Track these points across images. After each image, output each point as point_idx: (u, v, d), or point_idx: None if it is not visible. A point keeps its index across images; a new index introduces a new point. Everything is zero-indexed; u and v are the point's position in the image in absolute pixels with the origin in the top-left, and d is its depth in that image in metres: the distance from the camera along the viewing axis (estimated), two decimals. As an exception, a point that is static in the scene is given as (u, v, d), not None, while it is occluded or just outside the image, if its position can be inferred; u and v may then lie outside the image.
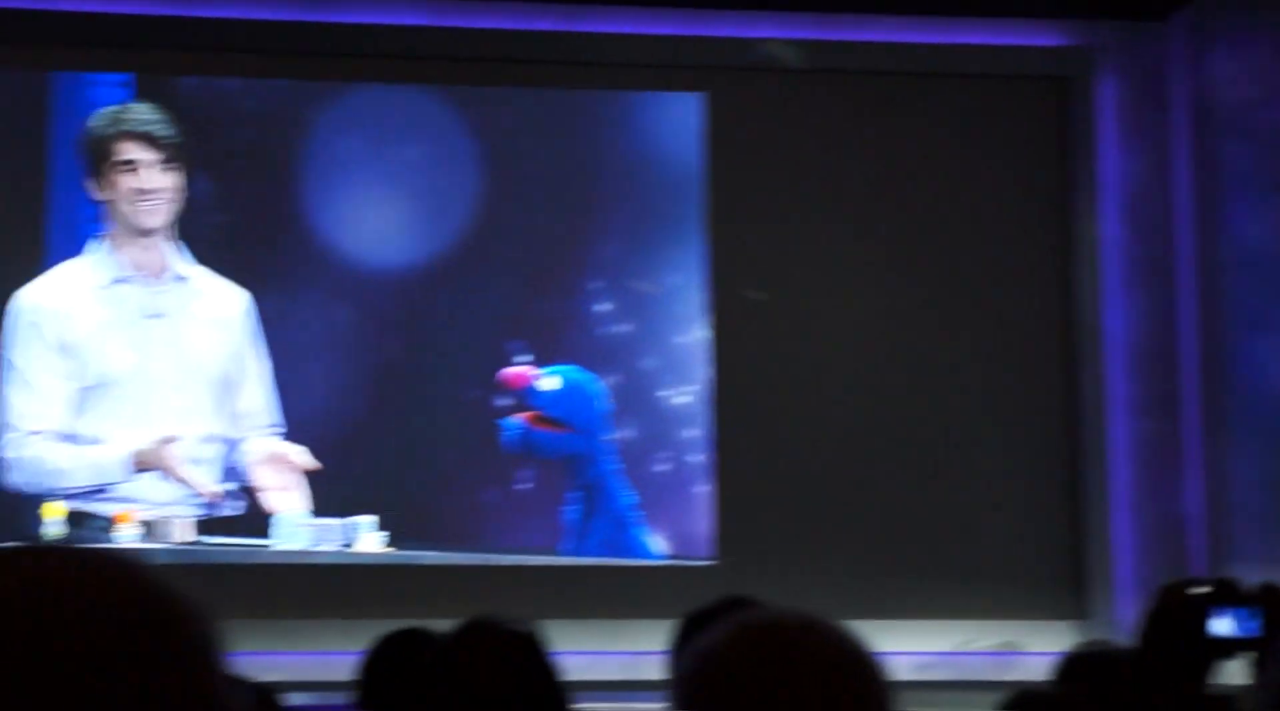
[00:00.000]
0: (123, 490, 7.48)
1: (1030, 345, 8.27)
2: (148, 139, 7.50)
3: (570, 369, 7.82)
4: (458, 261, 7.92)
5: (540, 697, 2.97)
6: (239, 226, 7.79)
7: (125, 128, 7.50)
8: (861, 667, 1.81)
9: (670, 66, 8.11)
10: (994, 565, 8.10)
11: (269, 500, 7.55)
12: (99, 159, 7.50)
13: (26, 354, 7.43)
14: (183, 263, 7.60)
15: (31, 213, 7.68)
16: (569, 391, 7.76)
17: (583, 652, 7.51)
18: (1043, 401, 8.24)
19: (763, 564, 7.94)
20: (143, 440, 7.45)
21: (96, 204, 7.63)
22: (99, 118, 7.55)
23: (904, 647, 7.68)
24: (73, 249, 7.65)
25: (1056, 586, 8.15)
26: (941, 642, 8.04)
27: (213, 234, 7.72)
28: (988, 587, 8.08)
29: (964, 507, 8.12)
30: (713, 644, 1.80)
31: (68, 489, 7.41)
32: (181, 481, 7.44)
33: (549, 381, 7.74)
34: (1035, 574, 8.14)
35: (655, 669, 7.32)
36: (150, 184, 7.49)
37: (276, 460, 7.56)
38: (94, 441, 7.45)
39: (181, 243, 7.61)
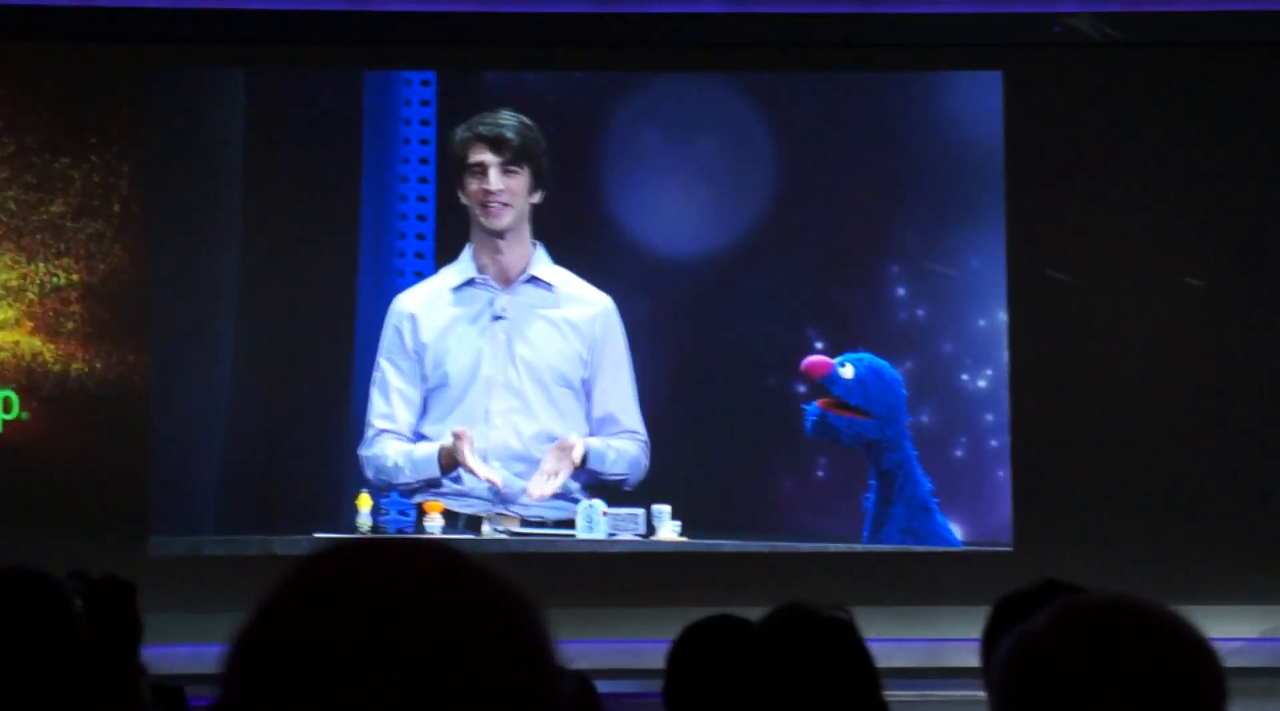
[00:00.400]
0: (454, 486, 7.66)
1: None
2: (493, 142, 7.66)
3: (867, 356, 7.80)
4: (755, 249, 7.95)
5: (855, 685, 2.97)
6: (541, 221, 7.89)
7: (476, 132, 7.67)
8: (1197, 654, 1.74)
9: (968, 45, 8.03)
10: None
11: (536, 482, 7.63)
12: (459, 164, 7.67)
13: (386, 354, 7.66)
14: (544, 266, 7.71)
15: (347, 206, 7.89)
16: (867, 377, 7.75)
17: (884, 639, 7.47)
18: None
19: (1061, 549, 7.83)
20: (445, 437, 7.61)
21: (406, 201, 7.82)
22: (462, 124, 7.72)
23: (1211, 633, 7.52)
24: (381, 246, 7.84)
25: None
26: (1250, 628, 7.86)
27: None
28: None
29: (1273, 489, 7.93)
30: (1038, 629, 1.75)
31: (403, 485, 7.62)
32: (469, 469, 7.57)
33: (847, 369, 7.73)
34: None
35: (956, 655, 7.32)
36: (494, 186, 7.63)
37: (564, 447, 7.65)
38: (432, 440, 7.66)
39: (537, 242, 7.73)
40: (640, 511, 7.71)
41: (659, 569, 7.82)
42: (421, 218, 7.87)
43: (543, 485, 7.66)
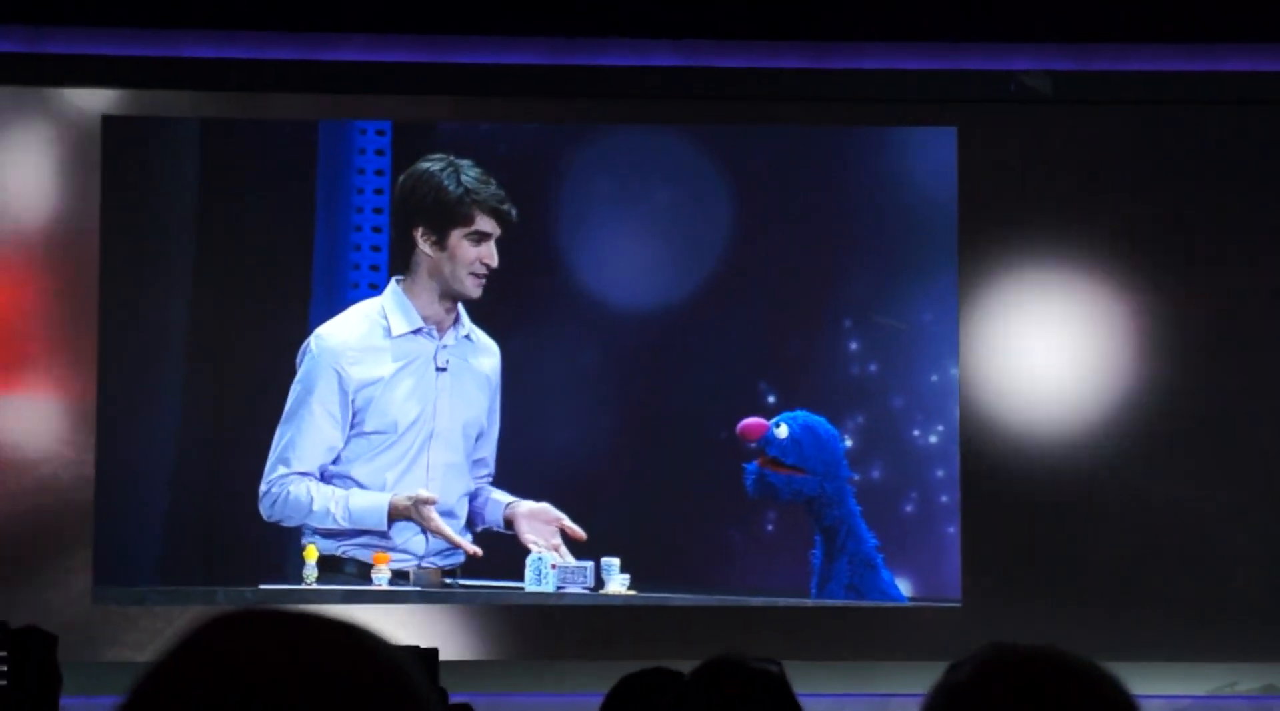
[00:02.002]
0: (382, 540, 7.62)
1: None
2: (502, 216, 7.65)
3: (802, 414, 7.79)
4: (707, 301, 7.96)
5: (785, 737, 2.94)
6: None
7: (488, 201, 7.64)
8: (1118, 706, 1.73)
9: (923, 101, 8.06)
10: (1256, 606, 7.91)
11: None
12: (451, 219, 7.63)
13: (315, 393, 7.59)
14: (466, 319, 7.73)
15: (300, 256, 7.87)
16: (802, 436, 7.74)
17: (832, 694, 7.47)
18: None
19: (1010, 606, 7.83)
20: (400, 494, 7.57)
21: (360, 250, 7.79)
22: (452, 175, 7.69)
23: (1160, 691, 7.53)
24: (333, 292, 7.82)
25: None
26: (1200, 686, 7.87)
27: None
28: (1249, 629, 7.89)
29: (1222, 547, 7.94)
30: (962, 679, 1.74)
31: (321, 528, 7.56)
32: (439, 534, 7.55)
33: (782, 428, 7.72)
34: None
35: (904, 711, 7.28)
36: (494, 262, 7.62)
37: (542, 517, 7.63)
38: (365, 487, 7.60)
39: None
40: (589, 564, 7.69)
41: (607, 622, 7.80)
42: (375, 267, 7.85)
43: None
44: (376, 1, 7.87)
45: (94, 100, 7.88)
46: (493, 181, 7.72)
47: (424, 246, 7.66)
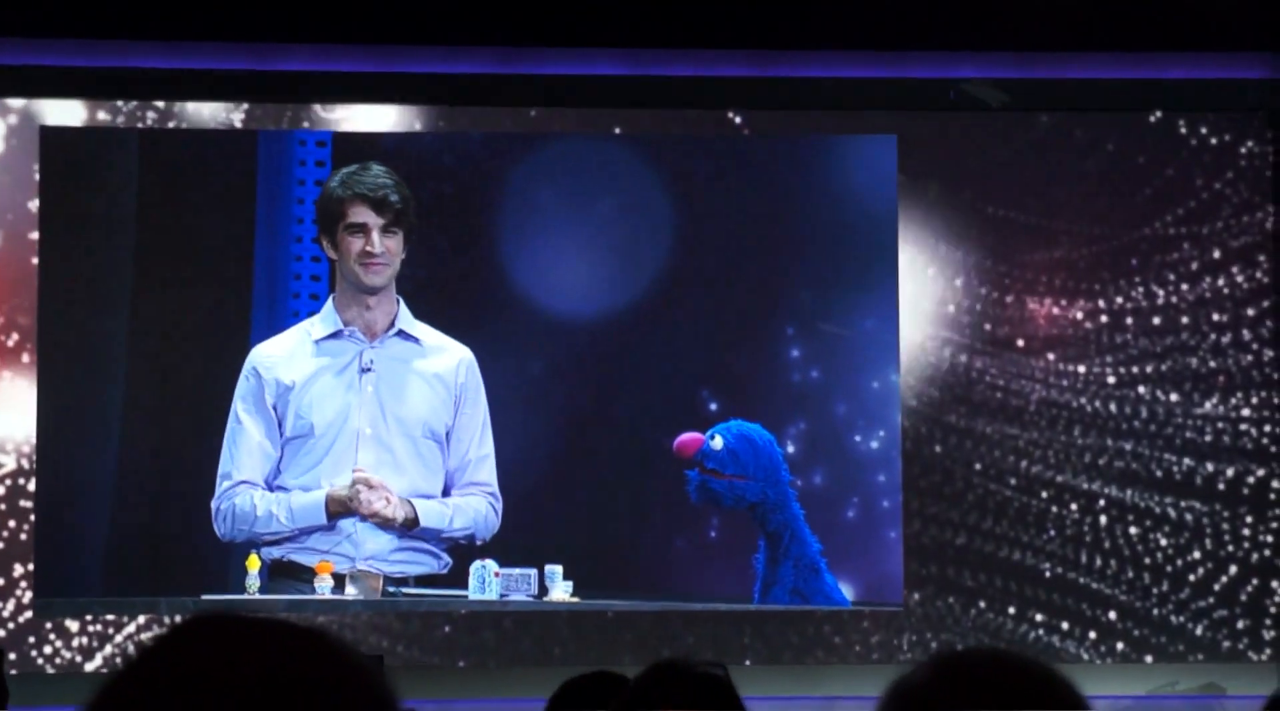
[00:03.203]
0: (322, 543, 7.59)
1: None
2: (376, 202, 7.61)
3: (735, 423, 7.81)
4: (649, 309, 7.97)
5: (730, 741, 2.95)
6: (437, 280, 7.90)
7: (356, 190, 7.61)
8: (1067, 707, 1.74)
9: (864, 109, 8.09)
10: (1195, 606, 7.97)
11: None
12: (330, 219, 7.63)
13: (243, 405, 7.59)
14: (408, 321, 7.69)
15: (240, 266, 7.85)
16: (737, 446, 7.76)
17: (776, 697, 7.50)
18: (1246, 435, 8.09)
19: (952, 608, 7.88)
20: (338, 486, 7.54)
21: (300, 261, 7.78)
22: (335, 178, 7.69)
23: (1101, 691, 7.58)
24: (274, 304, 7.80)
25: (1259, 626, 7.99)
26: (1141, 686, 7.92)
27: (412, 289, 7.82)
28: (1189, 628, 7.95)
29: (1162, 548, 8.00)
30: (915, 679, 1.76)
31: (269, 535, 7.54)
32: (376, 518, 7.52)
33: (716, 440, 7.74)
34: (1237, 613, 7.99)
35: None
36: (376, 247, 7.59)
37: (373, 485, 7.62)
38: (301, 490, 7.58)
39: (398, 298, 7.70)
40: (533, 571, 7.69)
41: (551, 629, 7.80)
42: (315, 278, 7.84)
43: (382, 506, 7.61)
44: (320, 12, 7.85)
45: (32, 111, 7.84)
46: (374, 173, 7.66)
47: (328, 252, 7.67)
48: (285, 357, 7.65)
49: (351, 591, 7.60)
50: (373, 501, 7.53)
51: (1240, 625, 8.00)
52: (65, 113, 7.88)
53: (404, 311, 7.72)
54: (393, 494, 7.57)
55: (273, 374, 7.62)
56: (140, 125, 7.90)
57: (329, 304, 7.69)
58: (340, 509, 7.58)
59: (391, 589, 7.66)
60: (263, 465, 7.61)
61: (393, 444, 7.65)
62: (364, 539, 7.60)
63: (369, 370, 7.66)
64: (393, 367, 7.68)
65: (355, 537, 7.59)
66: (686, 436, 7.78)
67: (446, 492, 7.68)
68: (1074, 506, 8.01)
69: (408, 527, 7.59)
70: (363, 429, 7.63)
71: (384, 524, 7.56)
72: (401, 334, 7.71)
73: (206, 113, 7.93)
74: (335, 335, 7.67)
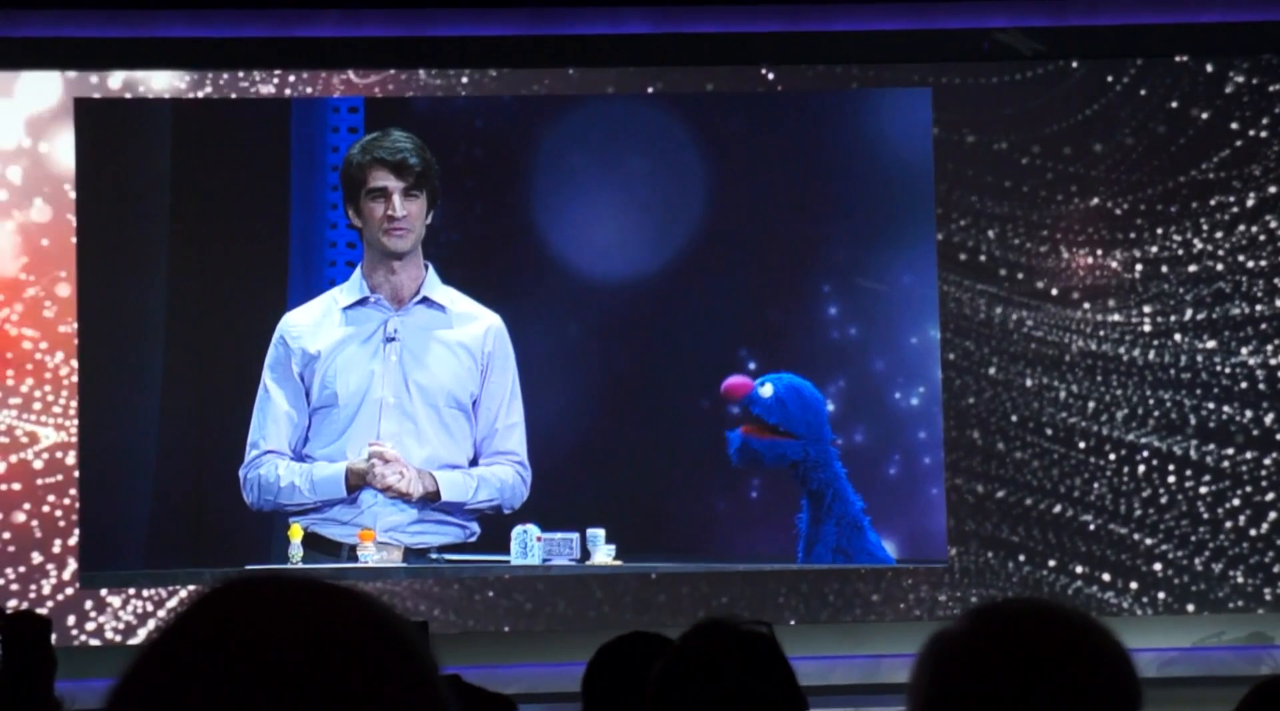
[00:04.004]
0: (343, 515, 7.58)
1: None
2: (396, 166, 7.57)
3: (787, 376, 7.78)
4: (685, 270, 7.95)
5: (777, 700, 2.94)
6: (472, 245, 7.88)
7: (376, 155, 7.58)
8: (1111, 658, 1.72)
9: (897, 62, 8.04)
10: (1240, 555, 7.93)
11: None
12: (353, 186, 7.60)
13: (272, 374, 7.59)
14: (435, 287, 7.66)
15: (276, 235, 7.86)
16: (786, 396, 7.73)
17: (821, 657, 7.49)
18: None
19: (997, 564, 7.86)
20: (358, 459, 7.54)
21: (336, 228, 7.77)
22: (356, 145, 7.66)
23: (1148, 643, 7.55)
24: (310, 272, 7.80)
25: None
26: (1186, 637, 7.89)
27: (448, 253, 7.81)
28: (1233, 577, 7.91)
29: (1206, 497, 7.96)
30: (955, 631, 1.74)
31: (293, 506, 7.54)
32: (391, 492, 7.51)
33: (766, 388, 7.71)
34: (1283, 563, 7.96)
35: (894, 671, 7.31)
36: (398, 211, 7.55)
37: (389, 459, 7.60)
38: (324, 460, 7.58)
39: (427, 263, 7.67)
40: (575, 535, 7.68)
41: (595, 592, 7.80)
42: (351, 245, 7.83)
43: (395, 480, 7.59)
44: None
45: (65, 83, 7.84)
46: (394, 138, 7.61)
47: (353, 220, 7.65)
48: (312, 326, 7.64)
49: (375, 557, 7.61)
50: (386, 475, 7.50)
51: (1286, 573, 7.95)
52: (97, 84, 7.87)
53: (431, 277, 7.68)
54: (409, 468, 7.53)
55: (299, 342, 7.62)
56: (172, 95, 7.89)
57: (357, 271, 7.68)
58: (359, 482, 7.57)
59: (435, 556, 7.66)
60: (289, 434, 7.61)
61: (416, 413, 7.63)
62: (383, 511, 7.59)
63: (393, 339, 7.64)
64: (417, 336, 7.66)
65: (374, 509, 7.59)
66: (735, 379, 7.75)
67: (474, 462, 7.66)
68: (1114, 457, 7.98)
69: (429, 500, 7.57)
70: (386, 398, 7.62)
71: (402, 497, 7.54)
72: (426, 301, 7.67)
73: (239, 81, 7.91)
74: (361, 302, 7.65)
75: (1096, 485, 7.96)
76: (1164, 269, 8.04)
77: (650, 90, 8.04)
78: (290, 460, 7.59)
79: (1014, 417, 7.98)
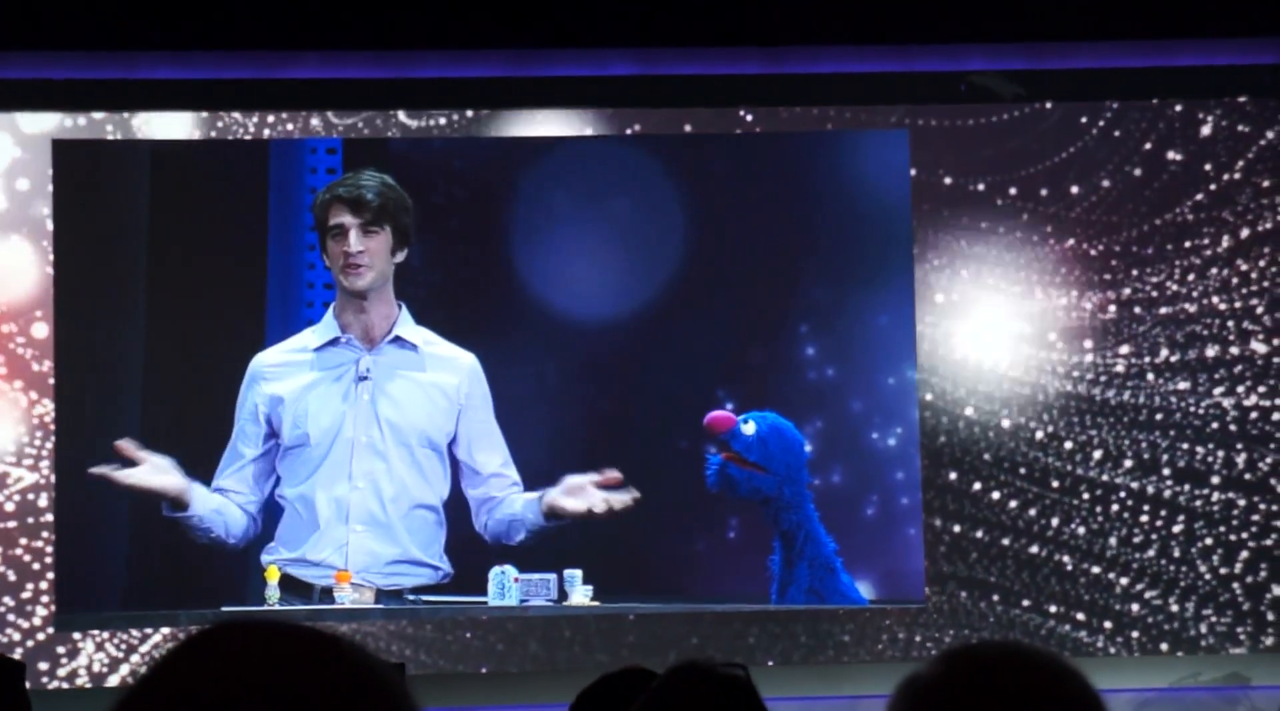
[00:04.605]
0: (314, 555, 7.58)
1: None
2: (352, 203, 7.58)
3: (771, 415, 7.80)
4: (664, 310, 7.97)
5: (752, 742, 2.94)
6: (452, 285, 7.89)
7: (335, 193, 7.61)
8: (1082, 701, 1.73)
9: (874, 104, 8.07)
10: (1218, 596, 7.94)
11: (601, 514, 7.59)
12: (320, 226, 7.62)
13: (238, 413, 7.60)
14: (407, 327, 7.66)
15: (254, 276, 7.86)
16: (768, 436, 7.75)
17: (798, 698, 7.48)
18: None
19: (974, 605, 7.86)
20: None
21: (314, 268, 7.79)
22: (326, 186, 7.67)
23: (1125, 684, 7.56)
24: (288, 313, 7.80)
25: (1283, 617, 7.98)
26: (1163, 678, 7.90)
27: (426, 294, 7.82)
28: (1210, 618, 7.92)
29: (1184, 540, 7.97)
30: (927, 674, 1.74)
31: (221, 542, 7.56)
32: (139, 488, 7.50)
33: (749, 425, 7.73)
34: (1257, 602, 7.97)
35: (871, 713, 7.30)
36: (355, 246, 7.57)
37: (576, 489, 7.60)
38: (305, 504, 7.58)
39: (400, 303, 7.68)
40: (552, 576, 7.68)
41: (572, 633, 7.79)
42: (329, 286, 7.83)
43: (617, 503, 7.61)
44: (328, 18, 7.85)
45: (44, 124, 7.85)
46: (357, 176, 7.64)
47: (324, 260, 7.68)
48: (282, 367, 7.66)
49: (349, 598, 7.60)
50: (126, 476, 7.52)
51: (1262, 613, 7.96)
52: (76, 126, 7.87)
53: (404, 317, 7.69)
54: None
55: (268, 385, 7.63)
56: (151, 137, 7.89)
57: (329, 311, 7.69)
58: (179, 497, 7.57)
59: (411, 597, 7.65)
60: (234, 472, 7.62)
61: (387, 452, 7.63)
62: (355, 553, 7.59)
63: (366, 378, 7.65)
64: (389, 375, 7.67)
65: (346, 551, 7.59)
66: (719, 414, 7.76)
67: (449, 500, 7.68)
68: (1090, 497, 7.99)
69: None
70: (358, 437, 7.63)
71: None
72: (398, 340, 7.68)
73: (218, 124, 7.92)
74: (333, 343, 7.66)
75: (1072, 526, 7.98)
76: (1142, 310, 8.07)
77: (629, 132, 8.06)
78: (232, 502, 7.62)
79: (992, 458, 7.99)
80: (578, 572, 7.69)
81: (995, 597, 7.92)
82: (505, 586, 7.64)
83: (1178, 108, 8.13)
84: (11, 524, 7.73)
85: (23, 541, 7.72)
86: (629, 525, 7.83)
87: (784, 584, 7.77)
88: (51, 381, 7.77)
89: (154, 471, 7.55)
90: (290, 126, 7.96)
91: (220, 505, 7.59)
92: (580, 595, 7.67)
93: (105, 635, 7.73)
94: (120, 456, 7.55)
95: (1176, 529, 8.00)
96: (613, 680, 3.46)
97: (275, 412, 7.62)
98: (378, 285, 7.63)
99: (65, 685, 7.64)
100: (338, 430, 7.62)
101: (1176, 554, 7.99)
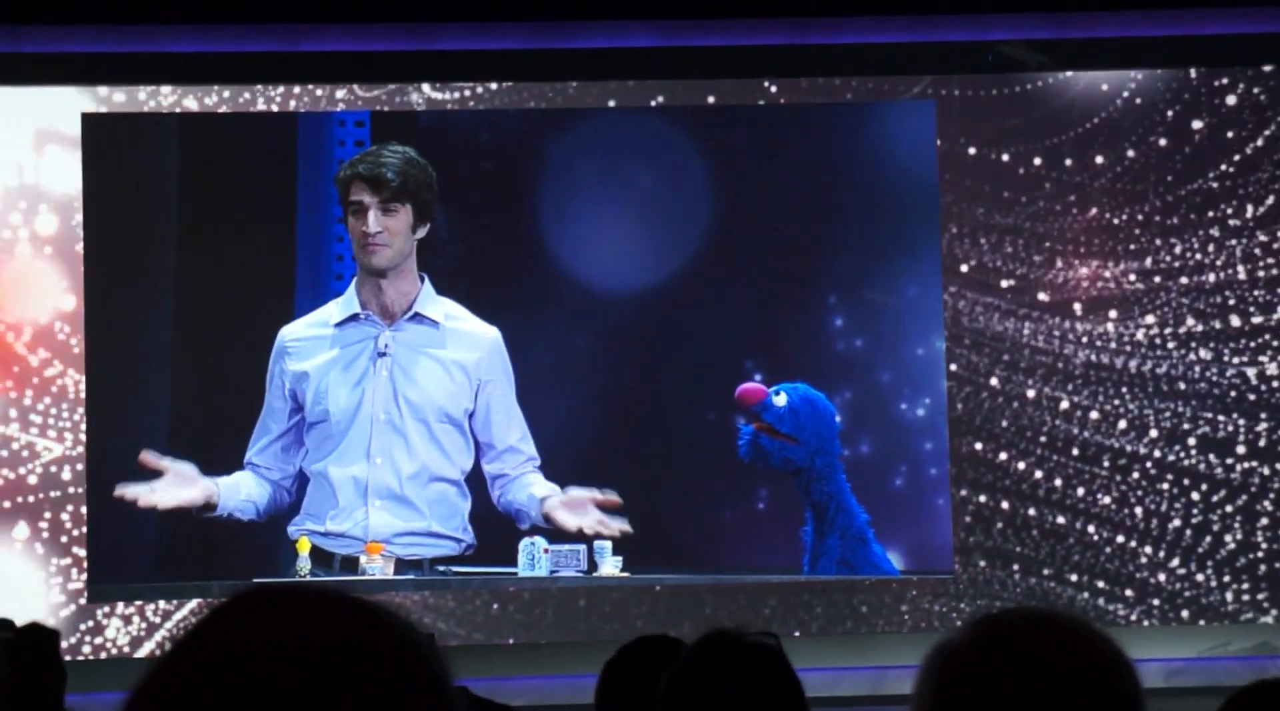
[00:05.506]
0: (336, 526, 7.61)
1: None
2: (372, 181, 7.57)
3: (803, 386, 7.81)
4: (692, 281, 7.97)
5: (783, 709, 2.96)
6: (478, 257, 7.90)
7: (356, 170, 7.60)
8: (1113, 666, 1.73)
9: (901, 74, 8.06)
10: (1247, 565, 7.94)
11: (590, 535, 7.65)
12: (342, 201, 7.63)
13: (269, 385, 7.62)
14: (429, 302, 7.67)
15: (283, 249, 7.88)
16: (800, 407, 7.75)
17: (828, 668, 7.50)
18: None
19: (1003, 575, 7.87)
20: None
21: (342, 242, 7.80)
22: (349, 161, 7.69)
23: (1155, 654, 7.57)
24: (318, 286, 7.82)
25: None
26: (1192, 648, 7.90)
27: (454, 266, 7.83)
28: (1238, 588, 7.92)
29: (1212, 507, 7.97)
30: (957, 642, 1.74)
31: (255, 521, 7.61)
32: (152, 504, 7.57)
33: (780, 397, 7.73)
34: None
35: (900, 683, 7.31)
36: (374, 226, 7.56)
37: (575, 504, 7.63)
38: (325, 480, 7.62)
39: (423, 277, 7.68)
40: (581, 547, 7.70)
41: (602, 604, 7.82)
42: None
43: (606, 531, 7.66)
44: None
45: (73, 98, 7.87)
46: (380, 152, 7.62)
47: (349, 236, 7.70)
48: (306, 341, 7.68)
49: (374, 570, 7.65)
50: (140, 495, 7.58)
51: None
52: (105, 99, 7.90)
53: (425, 292, 7.68)
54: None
55: (292, 360, 7.66)
56: (179, 110, 7.92)
57: (350, 286, 7.71)
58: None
59: (442, 568, 7.68)
60: (264, 445, 7.66)
61: (406, 428, 7.65)
62: (375, 523, 7.63)
63: (385, 354, 7.66)
64: (408, 352, 7.67)
65: (366, 522, 7.62)
66: (750, 386, 7.77)
67: (469, 475, 7.70)
68: (1120, 468, 7.99)
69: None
70: (376, 414, 7.64)
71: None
72: (418, 316, 7.69)
73: (245, 95, 7.94)
74: (353, 318, 7.67)
75: (1103, 496, 7.98)
76: (1168, 280, 8.06)
77: (654, 103, 8.06)
78: (261, 476, 7.65)
79: (1020, 429, 8.00)
80: (607, 544, 7.71)
81: (1024, 568, 7.92)
82: (535, 557, 7.66)
83: (1205, 77, 8.11)
84: (41, 495, 7.77)
85: (50, 513, 7.76)
86: (658, 496, 7.85)
87: (816, 555, 7.78)
88: (78, 352, 7.80)
89: (177, 483, 7.59)
90: (318, 93, 7.96)
91: (249, 491, 7.63)
92: (610, 566, 7.69)
93: (139, 604, 7.77)
94: (144, 468, 7.60)
95: (1202, 498, 8.00)
96: (637, 648, 3.48)
97: (299, 388, 7.65)
98: (397, 262, 7.62)
99: (101, 654, 7.69)
100: (357, 407, 7.64)
101: (1205, 524, 7.98)
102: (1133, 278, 8.06)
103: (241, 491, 7.63)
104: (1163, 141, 8.09)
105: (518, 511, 7.66)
